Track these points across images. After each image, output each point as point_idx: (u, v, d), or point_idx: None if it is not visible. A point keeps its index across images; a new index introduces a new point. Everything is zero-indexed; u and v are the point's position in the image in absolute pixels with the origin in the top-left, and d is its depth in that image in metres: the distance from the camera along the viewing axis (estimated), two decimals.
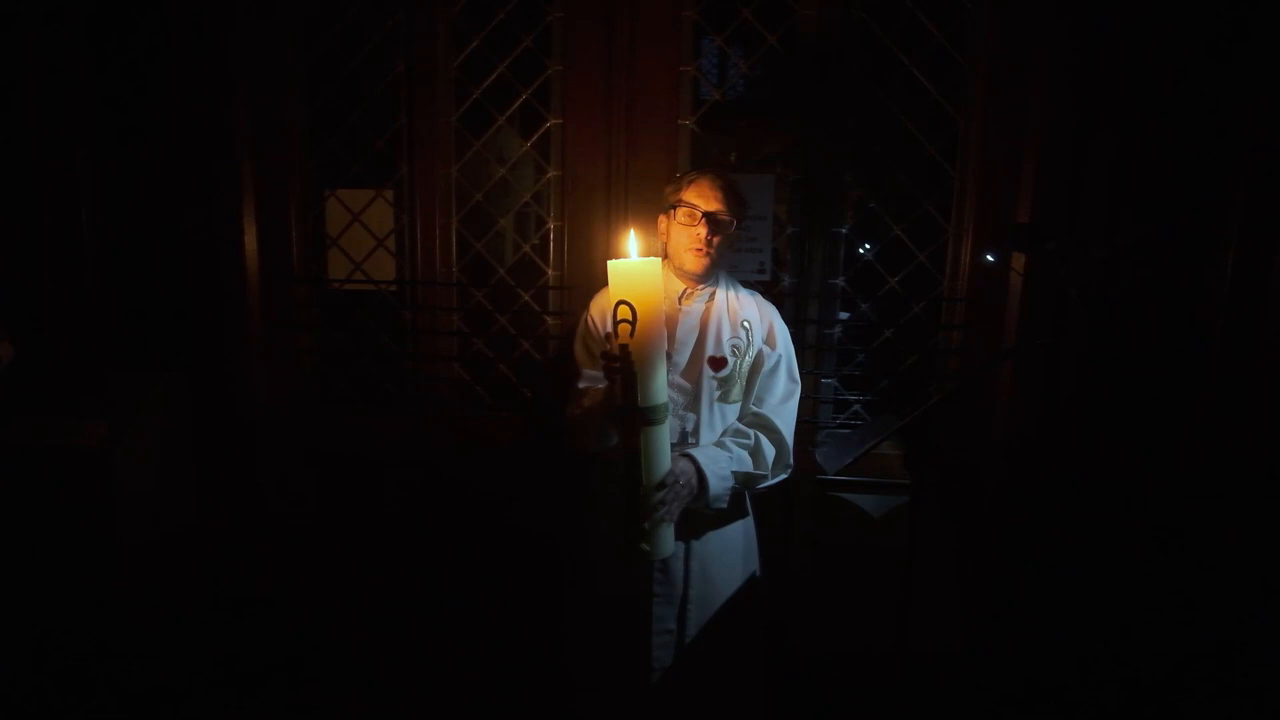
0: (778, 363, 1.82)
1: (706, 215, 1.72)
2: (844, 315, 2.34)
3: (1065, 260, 1.96)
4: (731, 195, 1.76)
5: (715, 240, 1.74)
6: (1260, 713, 1.90)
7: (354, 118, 2.41)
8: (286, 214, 2.41)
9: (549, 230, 2.38)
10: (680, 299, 1.80)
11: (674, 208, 1.77)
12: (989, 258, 2.10)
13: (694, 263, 1.75)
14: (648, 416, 1.50)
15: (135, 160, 2.28)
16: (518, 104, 2.34)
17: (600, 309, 1.83)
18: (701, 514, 1.73)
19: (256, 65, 2.31)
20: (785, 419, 1.80)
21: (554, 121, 2.32)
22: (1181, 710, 1.99)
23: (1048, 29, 2.05)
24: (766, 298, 1.92)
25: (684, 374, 1.76)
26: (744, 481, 1.75)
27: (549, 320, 2.40)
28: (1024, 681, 2.13)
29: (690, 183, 1.77)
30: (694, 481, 1.64)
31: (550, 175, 2.35)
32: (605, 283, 1.61)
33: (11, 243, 2.25)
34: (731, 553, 1.85)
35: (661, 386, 1.54)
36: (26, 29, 2.18)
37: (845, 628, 2.29)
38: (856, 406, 2.35)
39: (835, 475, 2.08)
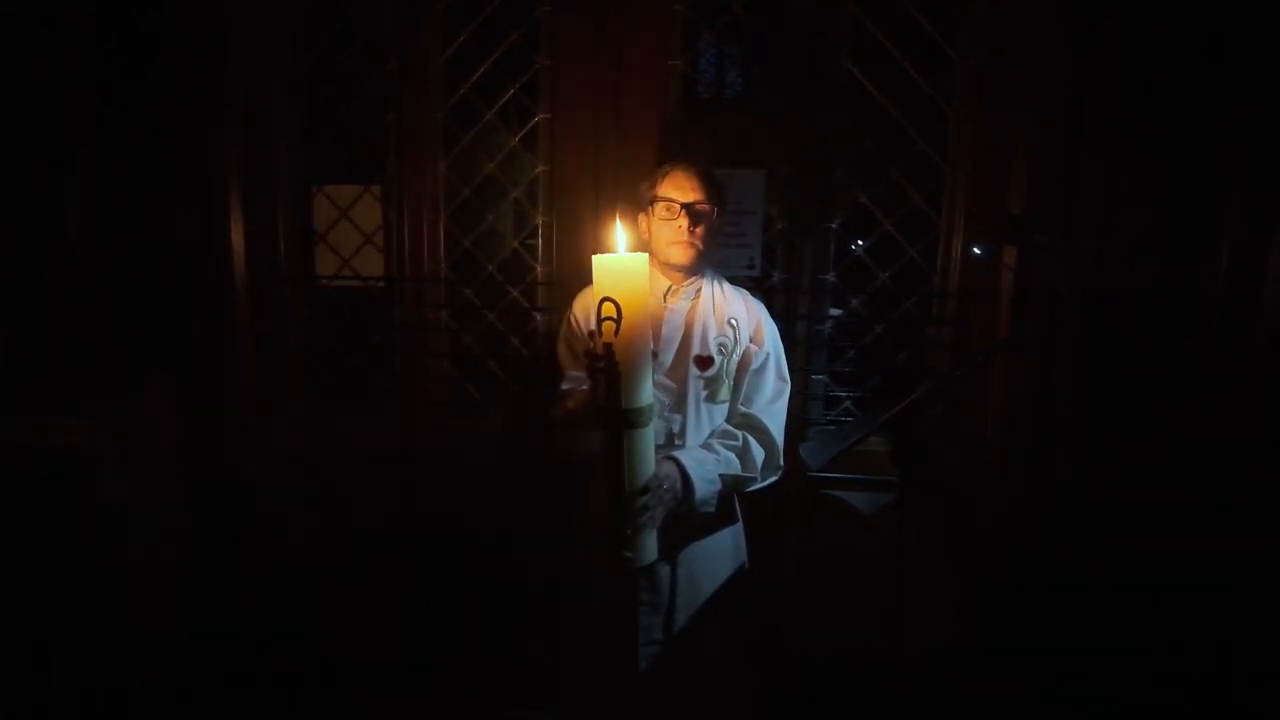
0: (765, 361, 1.77)
1: (685, 207, 1.68)
2: (834, 311, 2.32)
3: (1059, 256, 1.94)
4: (709, 183, 1.72)
5: (698, 231, 1.70)
6: (1262, 712, 1.90)
7: (342, 113, 2.39)
8: (274, 210, 2.39)
9: (537, 226, 2.36)
10: (665, 296, 1.75)
11: (651, 204, 1.73)
12: (975, 250, 2.08)
13: (680, 255, 1.71)
14: (631, 419, 1.44)
15: (128, 160, 2.25)
16: (505, 98, 2.32)
17: (584, 306, 1.77)
18: (689, 519, 1.68)
19: (249, 64, 2.29)
20: (775, 419, 1.75)
21: (542, 116, 2.30)
22: (1181, 711, 1.98)
23: (1043, 25, 2.03)
24: (755, 294, 1.88)
25: (669, 373, 1.71)
26: (732, 485, 1.70)
27: (538, 316, 2.39)
28: (1021, 682, 2.12)
29: (664, 176, 1.73)
30: (679, 485, 1.59)
31: (539, 170, 2.33)
32: (592, 279, 1.52)
33: (7, 242, 2.23)
34: (721, 560, 1.79)
35: (646, 387, 1.48)
36: (25, 29, 2.16)
37: (838, 628, 2.26)
38: (847, 403, 2.34)
39: (822, 471, 2.06)
